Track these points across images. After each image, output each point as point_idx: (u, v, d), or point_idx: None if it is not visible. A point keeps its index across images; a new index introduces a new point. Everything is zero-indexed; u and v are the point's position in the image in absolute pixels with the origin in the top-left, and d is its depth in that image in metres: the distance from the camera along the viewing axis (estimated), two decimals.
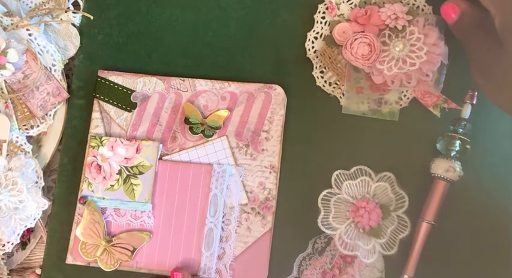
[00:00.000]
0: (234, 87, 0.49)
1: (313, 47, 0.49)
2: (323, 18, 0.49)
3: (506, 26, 0.37)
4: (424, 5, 0.47)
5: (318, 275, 0.45)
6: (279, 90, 0.48)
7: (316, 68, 0.48)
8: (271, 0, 0.50)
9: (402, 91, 0.47)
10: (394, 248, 0.43)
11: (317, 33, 0.49)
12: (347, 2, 0.48)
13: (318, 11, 0.49)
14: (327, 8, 0.48)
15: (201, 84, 0.49)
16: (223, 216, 0.47)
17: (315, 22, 0.49)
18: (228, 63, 0.50)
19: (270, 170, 0.47)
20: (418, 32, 0.45)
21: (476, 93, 0.46)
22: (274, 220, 0.47)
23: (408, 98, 0.47)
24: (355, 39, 0.45)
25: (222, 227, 0.47)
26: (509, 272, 0.45)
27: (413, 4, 0.47)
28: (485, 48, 0.40)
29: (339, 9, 0.48)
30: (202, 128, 0.48)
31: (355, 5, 0.48)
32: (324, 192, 0.45)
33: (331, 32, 0.48)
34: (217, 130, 0.48)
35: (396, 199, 0.44)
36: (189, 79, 0.49)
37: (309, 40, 0.49)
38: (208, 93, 0.49)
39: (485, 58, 0.40)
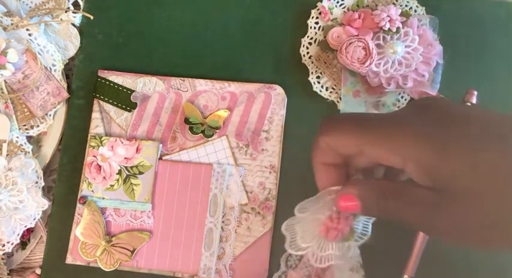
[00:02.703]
0: (234, 87, 0.49)
1: (308, 53, 0.49)
2: (316, 23, 0.49)
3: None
4: (417, 6, 0.47)
5: None
6: (279, 90, 0.48)
7: (312, 73, 0.48)
8: (271, 0, 0.50)
9: (399, 93, 0.47)
10: (367, 234, 0.36)
11: (311, 38, 0.49)
12: (340, 6, 0.48)
13: (311, 16, 0.48)
14: (320, 13, 0.48)
15: (201, 84, 0.49)
16: (223, 216, 0.47)
17: (309, 27, 0.49)
18: (228, 63, 0.50)
19: (270, 170, 0.47)
20: (412, 33, 0.45)
21: (476, 93, 0.46)
22: (274, 220, 0.47)
23: (406, 100, 0.47)
24: (350, 43, 0.45)
25: (222, 227, 0.47)
26: (510, 272, 0.45)
27: (407, 5, 0.47)
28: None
29: (331, 13, 0.48)
30: (202, 128, 0.48)
31: (348, 9, 0.48)
32: (288, 220, 0.37)
33: (325, 37, 0.48)
34: (217, 130, 0.48)
35: None
36: (189, 79, 0.49)
37: (303, 46, 0.49)
38: (208, 93, 0.49)
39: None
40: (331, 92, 0.48)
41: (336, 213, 0.35)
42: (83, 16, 0.51)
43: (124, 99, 0.49)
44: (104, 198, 0.47)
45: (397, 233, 0.45)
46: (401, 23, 0.45)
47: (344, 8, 0.48)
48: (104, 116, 0.49)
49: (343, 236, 0.36)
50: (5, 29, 0.46)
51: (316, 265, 0.37)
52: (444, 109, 0.30)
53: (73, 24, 0.51)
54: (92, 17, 0.50)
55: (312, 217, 0.36)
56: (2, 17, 0.47)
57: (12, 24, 0.47)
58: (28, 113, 0.48)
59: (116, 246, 0.46)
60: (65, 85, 0.49)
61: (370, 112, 0.45)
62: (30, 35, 0.48)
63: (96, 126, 0.49)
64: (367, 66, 0.45)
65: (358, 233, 0.36)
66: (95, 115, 0.49)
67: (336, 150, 0.31)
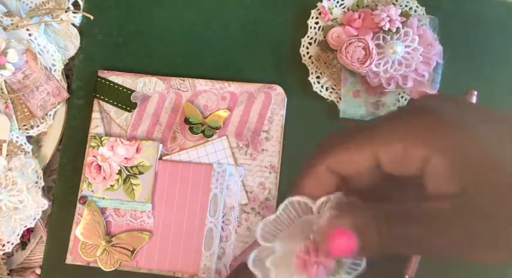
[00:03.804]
0: (234, 87, 0.49)
1: (307, 53, 0.49)
2: (316, 23, 0.49)
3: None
4: (417, 6, 0.47)
5: None
6: (279, 90, 0.48)
7: (312, 73, 0.48)
8: (271, 0, 0.50)
9: (399, 93, 0.47)
10: (361, 265, 0.29)
11: (311, 38, 0.49)
12: (340, 6, 0.48)
13: (311, 16, 0.48)
14: (319, 13, 0.48)
15: (201, 84, 0.49)
16: (223, 216, 0.47)
17: (309, 27, 0.49)
18: (228, 63, 0.50)
19: (270, 170, 0.47)
20: (412, 33, 0.45)
21: (476, 93, 0.46)
22: None
23: (406, 100, 0.47)
24: (350, 43, 0.45)
25: (222, 227, 0.47)
26: (509, 272, 0.45)
27: (406, 5, 0.47)
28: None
29: (331, 13, 0.48)
30: (202, 128, 0.48)
31: (348, 9, 0.48)
32: (254, 253, 0.29)
33: (325, 37, 0.48)
34: (217, 130, 0.48)
35: None
36: (189, 79, 0.49)
37: (303, 46, 0.49)
38: (208, 93, 0.49)
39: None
40: (331, 92, 0.48)
41: (312, 242, 0.27)
42: (83, 16, 0.51)
43: (124, 99, 0.49)
44: (104, 198, 0.47)
45: None
46: (401, 23, 0.45)
47: (344, 8, 0.48)
48: (104, 116, 0.49)
49: (329, 271, 0.28)
50: (5, 29, 0.46)
51: None
52: (467, 102, 0.26)
53: (73, 24, 0.51)
54: (92, 17, 0.50)
55: (283, 249, 0.29)
56: (2, 17, 0.47)
57: (12, 24, 0.47)
58: (28, 113, 0.48)
59: (116, 246, 0.46)
60: (65, 85, 0.49)
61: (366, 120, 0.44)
62: (30, 35, 0.48)
63: (96, 126, 0.49)
64: (367, 66, 0.45)
65: (348, 264, 0.28)
66: (95, 115, 0.49)
67: (341, 171, 0.26)
